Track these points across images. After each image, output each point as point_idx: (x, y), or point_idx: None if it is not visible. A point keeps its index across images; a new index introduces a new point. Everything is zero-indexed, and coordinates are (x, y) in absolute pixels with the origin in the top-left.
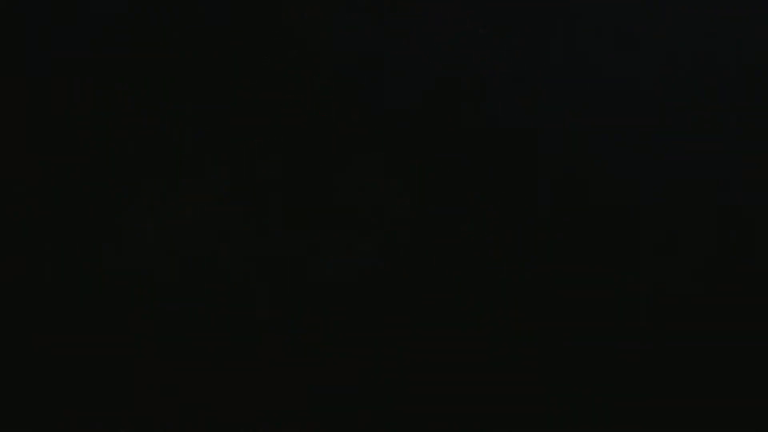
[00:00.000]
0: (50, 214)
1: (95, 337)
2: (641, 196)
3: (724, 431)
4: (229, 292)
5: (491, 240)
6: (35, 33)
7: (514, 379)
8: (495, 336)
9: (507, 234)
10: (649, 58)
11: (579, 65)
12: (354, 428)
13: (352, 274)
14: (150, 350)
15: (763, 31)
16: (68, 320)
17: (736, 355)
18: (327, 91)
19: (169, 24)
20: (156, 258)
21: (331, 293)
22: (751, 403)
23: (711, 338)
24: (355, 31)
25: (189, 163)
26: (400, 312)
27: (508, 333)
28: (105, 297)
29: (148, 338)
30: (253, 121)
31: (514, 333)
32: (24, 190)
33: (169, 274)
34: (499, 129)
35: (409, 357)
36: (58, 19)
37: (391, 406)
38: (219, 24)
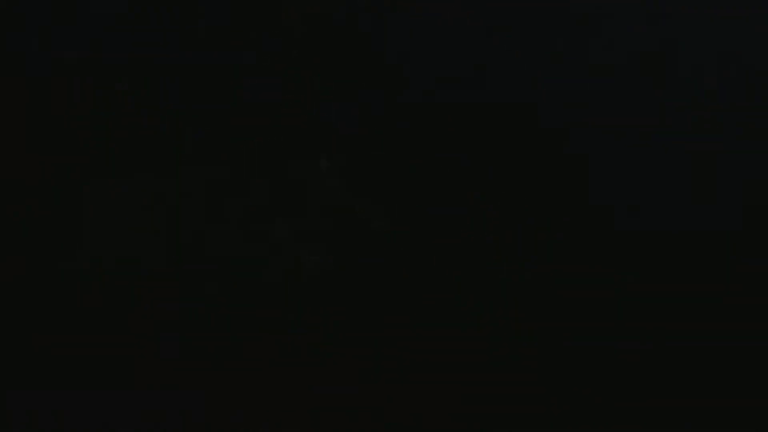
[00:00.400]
0: (48, 213)
1: (96, 337)
2: (641, 196)
3: (724, 431)
4: (209, 289)
5: (490, 240)
6: (35, 33)
7: (514, 379)
8: (495, 336)
9: (506, 234)
10: (649, 60)
11: (580, 64)
12: (354, 428)
13: (352, 274)
14: (150, 350)
15: (764, 31)
16: (67, 320)
17: (735, 355)
18: (326, 90)
19: (170, 24)
20: (150, 254)
21: (329, 292)
22: (751, 403)
23: (710, 338)
24: (354, 31)
25: (185, 162)
26: (398, 311)
27: (508, 333)
28: (103, 296)
29: (148, 338)
30: (251, 120)
31: (514, 333)
32: (23, 189)
33: (162, 269)
34: (498, 129)
35: (408, 357)
36: (58, 19)
37: (391, 406)
38: (219, 24)
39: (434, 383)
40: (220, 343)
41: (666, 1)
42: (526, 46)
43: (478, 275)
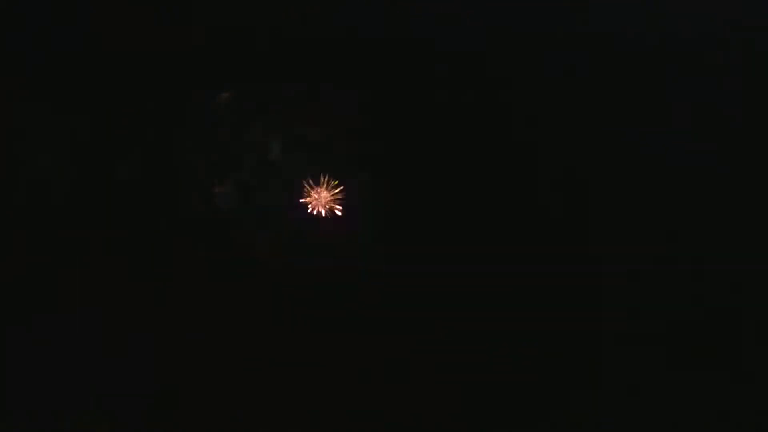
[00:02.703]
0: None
1: (96, 337)
2: (639, 196)
3: (723, 430)
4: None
5: (491, 240)
6: (35, 33)
7: (514, 379)
8: (495, 336)
9: (506, 234)
10: (648, 61)
11: (580, 65)
12: (354, 428)
13: (351, 275)
14: (150, 346)
15: (763, 28)
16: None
17: (733, 355)
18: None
19: (169, 23)
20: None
21: (329, 292)
22: (751, 403)
23: (708, 338)
24: (353, 26)
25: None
26: (398, 311)
27: (508, 333)
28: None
29: (148, 333)
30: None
31: (514, 333)
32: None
33: None
34: (498, 128)
35: (407, 356)
36: (58, 19)
37: (391, 406)
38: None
39: (434, 383)
40: (219, 338)
41: None
42: (524, 49)
43: (477, 275)
